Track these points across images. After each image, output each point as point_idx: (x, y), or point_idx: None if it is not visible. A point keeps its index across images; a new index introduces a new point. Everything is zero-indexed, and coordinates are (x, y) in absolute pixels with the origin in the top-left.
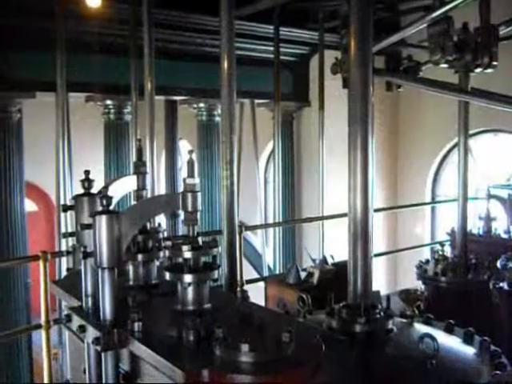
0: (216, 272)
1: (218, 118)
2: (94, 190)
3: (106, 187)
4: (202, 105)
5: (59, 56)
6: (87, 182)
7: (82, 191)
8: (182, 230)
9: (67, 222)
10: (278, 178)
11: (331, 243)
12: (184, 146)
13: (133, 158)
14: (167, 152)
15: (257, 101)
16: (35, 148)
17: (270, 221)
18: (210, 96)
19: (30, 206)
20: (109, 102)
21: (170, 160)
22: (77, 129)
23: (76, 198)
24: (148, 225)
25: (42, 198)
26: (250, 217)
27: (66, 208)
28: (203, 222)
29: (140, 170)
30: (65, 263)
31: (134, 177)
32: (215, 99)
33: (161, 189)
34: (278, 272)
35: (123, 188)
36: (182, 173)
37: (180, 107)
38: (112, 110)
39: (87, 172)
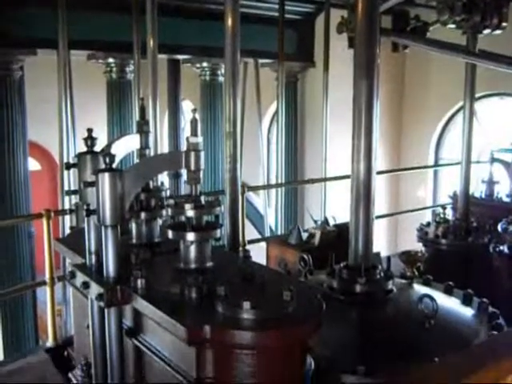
0: (218, 231)
1: (221, 78)
2: (97, 149)
3: (108, 145)
4: (205, 64)
5: (60, 13)
6: (90, 140)
7: (85, 150)
8: (184, 190)
9: (70, 180)
10: (281, 139)
11: (333, 205)
12: (187, 106)
13: (136, 116)
14: (170, 112)
15: (261, 60)
16: (38, 107)
17: (273, 182)
18: (213, 55)
19: (33, 165)
20: (111, 60)
21: (173, 120)
22: (79, 88)
23: (79, 156)
24: (151, 183)
25: (45, 157)
26: (254, 177)
27: (68, 166)
28: (206, 182)
29: (143, 128)
30: (68, 221)
31: (137, 135)
32: (218, 58)
33: (164, 149)
34: (279, 233)
35: (126, 146)
36: (185, 133)
37: (183, 66)
38: (114, 69)
39: (90, 130)
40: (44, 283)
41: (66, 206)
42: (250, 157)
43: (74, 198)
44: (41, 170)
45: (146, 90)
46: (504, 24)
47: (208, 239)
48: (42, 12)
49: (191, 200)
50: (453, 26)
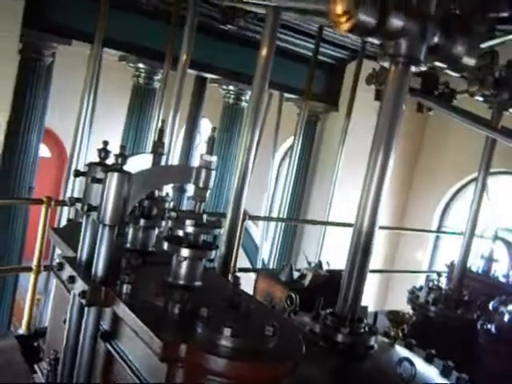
0: (213, 252)
1: (244, 104)
2: (110, 148)
3: (123, 146)
4: (231, 87)
5: (102, 9)
6: (104, 152)
7: (98, 149)
8: (186, 206)
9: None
10: (292, 175)
11: (329, 250)
12: (206, 124)
13: (153, 126)
14: (188, 127)
15: (286, 95)
16: (60, 95)
17: (275, 215)
18: (241, 80)
19: (44, 151)
20: (141, 65)
21: (189, 135)
22: (105, 86)
23: (90, 165)
24: (156, 192)
25: (57, 146)
26: (256, 208)
27: (77, 173)
28: (209, 202)
29: (158, 150)
30: (66, 213)
31: (151, 156)
32: (245, 84)
33: (174, 161)
34: (271, 266)
35: (138, 164)
36: (198, 150)
37: (209, 86)
38: (142, 74)
39: (106, 143)
40: (30, 269)
41: (68, 194)
42: (256, 184)
43: (77, 190)
44: (50, 157)
45: (169, 101)
46: None
47: (201, 258)
48: (83, 3)
49: (193, 216)
50: (480, 98)
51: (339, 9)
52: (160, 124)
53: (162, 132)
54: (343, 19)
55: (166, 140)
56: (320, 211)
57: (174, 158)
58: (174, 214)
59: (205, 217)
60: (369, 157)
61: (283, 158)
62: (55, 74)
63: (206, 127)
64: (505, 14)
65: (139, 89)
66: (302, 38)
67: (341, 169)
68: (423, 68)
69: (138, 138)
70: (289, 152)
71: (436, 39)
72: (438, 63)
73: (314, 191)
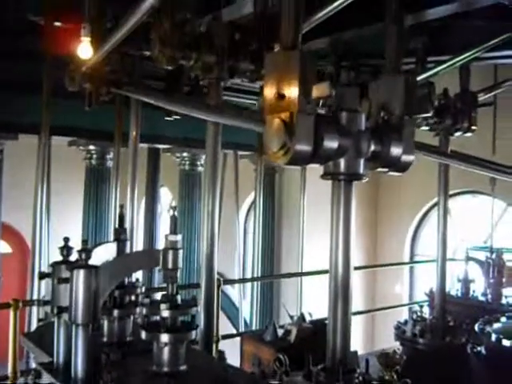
0: (194, 332)
1: (200, 168)
2: (72, 237)
3: (85, 241)
4: (185, 154)
5: (44, 99)
6: (66, 249)
7: (60, 247)
8: (157, 278)
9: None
10: (259, 230)
11: (309, 299)
12: (165, 193)
13: (113, 204)
14: (147, 198)
15: (240, 152)
16: (14, 189)
17: (249, 272)
18: (193, 146)
19: (4, 247)
20: (92, 147)
21: (150, 206)
22: (58, 172)
23: (54, 265)
24: (126, 279)
25: (16, 240)
26: (229, 267)
27: (42, 276)
28: (181, 272)
29: (121, 237)
30: (35, 312)
31: (114, 244)
32: (199, 149)
33: (139, 234)
34: (254, 326)
35: (103, 255)
36: (162, 218)
37: (163, 155)
38: (94, 156)
39: (66, 239)
40: (6, 378)
41: (35, 292)
42: (226, 245)
43: (44, 284)
44: (11, 253)
45: (125, 177)
46: (474, 127)
47: (183, 341)
48: (25, 97)
49: (167, 299)
50: (426, 128)
51: (275, 145)
52: (119, 209)
53: (122, 218)
54: (280, 153)
55: (128, 217)
56: (293, 262)
57: (139, 234)
58: (147, 300)
59: (179, 297)
60: (331, 200)
61: (248, 214)
62: (5, 167)
63: (165, 196)
64: (429, 115)
65: (93, 170)
66: (247, 96)
67: (306, 216)
68: (366, 179)
69: (99, 222)
70: (252, 206)
71: (372, 148)
72: (380, 169)
73: (283, 242)
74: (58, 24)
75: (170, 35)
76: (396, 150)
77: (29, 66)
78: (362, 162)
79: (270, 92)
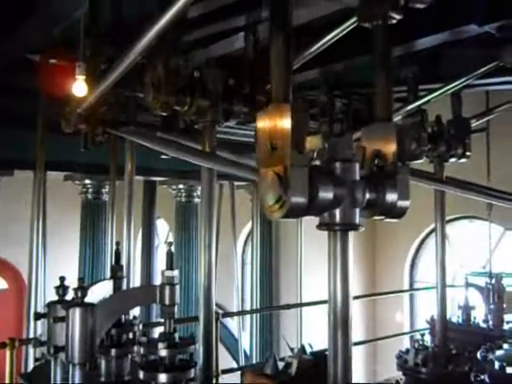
0: (193, 370)
1: (197, 200)
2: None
3: (81, 279)
4: (181, 186)
5: (40, 136)
6: (62, 289)
7: (55, 287)
8: (156, 310)
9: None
10: (256, 261)
11: (309, 329)
12: (162, 225)
13: (109, 239)
14: (144, 231)
15: (236, 183)
16: (9, 225)
17: (248, 303)
18: (189, 177)
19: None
20: (87, 181)
21: (147, 239)
22: (54, 206)
23: (49, 305)
24: (123, 317)
25: (12, 275)
26: (227, 298)
27: (38, 316)
28: (179, 304)
29: (117, 274)
30: (32, 350)
31: (111, 282)
32: (195, 180)
33: (136, 268)
34: (254, 358)
35: (99, 293)
36: (159, 251)
37: (159, 187)
38: (90, 190)
39: (62, 278)
40: None
41: (31, 330)
42: (224, 276)
43: (41, 324)
44: (7, 288)
45: (121, 211)
46: (468, 153)
47: (182, 380)
48: (20, 133)
49: (165, 338)
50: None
51: (271, 199)
52: (115, 246)
53: (118, 255)
54: (276, 207)
55: (124, 252)
56: (292, 292)
57: (136, 267)
58: (144, 338)
59: (177, 335)
60: (328, 256)
61: (245, 245)
62: (2, 202)
63: (162, 227)
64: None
65: (89, 205)
66: (240, 127)
67: (304, 245)
68: (362, 228)
69: (96, 257)
70: (250, 237)
71: (367, 197)
72: (376, 217)
73: (282, 273)
74: (53, 61)
75: (164, 82)
76: (391, 197)
77: (24, 103)
78: (357, 211)
79: (262, 145)
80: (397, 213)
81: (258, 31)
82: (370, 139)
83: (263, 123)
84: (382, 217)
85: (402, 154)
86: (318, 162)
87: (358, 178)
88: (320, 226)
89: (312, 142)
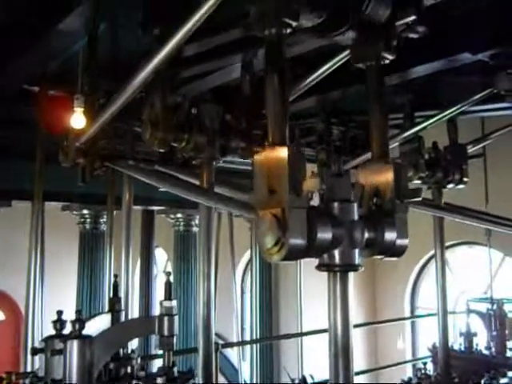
0: None
1: (195, 229)
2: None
3: (79, 311)
4: (179, 215)
5: (38, 167)
6: (59, 323)
7: (53, 321)
8: (154, 340)
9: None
10: (256, 289)
11: (311, 354)
12: (160, 254)
13: (107, 271)
14: (142, 260)
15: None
16: (6, 254)
17: (247, 332)
18: (187, 206)
19: None
20: (85, 211)
21: (145, 268)
22: (52, 236)
23: (46, 340)
24: (121, 350)
25: (9, 306)
26: (227, 327)
27: (35, 351)
28: (178, 335)
29: (115, 307)
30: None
31: (109, 315)
32: (193, 209)
33: (135, 297)
34: None
35: (97, 326)
36: (157, 280)
37: (157, 216)
38: (88, 220)
39: (60, 312)
40: None
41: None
42: (223, 305)
43: (38, 358)
44: (4, 320)
45: (119, 241)
46: (465, 179)
47: None
48: (18, 164)
49: (163, 372)
50: (418, 181)
51: (269, 241)
52: (113, 279)
53: (116, 287)
54: (275, 250)
55: (123, 282)
56: (292, 320)
57: (134, 297)
58: (142, 373)
59: (175, 369)
60: (327, 296)
61: (245, 273)
62: None
63: (160, 256)
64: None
65: (87, 234)
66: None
67: (303, 273)
68: (362, 269)
69: (94, 287)
70: (249, 265)
71: (366, 236)
72: (375, 256)
73: (281, 301)
74: (52, 93)
75: (162, 119)
76: (390, 236)
77: (22, 134)
78: (357, 251)
79: (260, 188)
80: (396, 251)
81: (254, 64)
82: (368, 177)
83: (260, 166)
84: (382, 256)
85: (400, 195)
86: (315, 202)
87: (356, 217)
88: (319, 267)
89: (309, 184)
